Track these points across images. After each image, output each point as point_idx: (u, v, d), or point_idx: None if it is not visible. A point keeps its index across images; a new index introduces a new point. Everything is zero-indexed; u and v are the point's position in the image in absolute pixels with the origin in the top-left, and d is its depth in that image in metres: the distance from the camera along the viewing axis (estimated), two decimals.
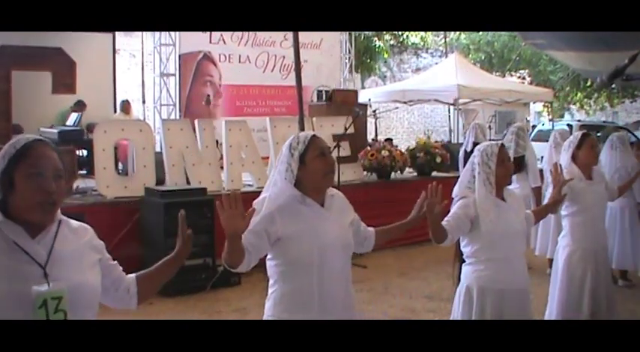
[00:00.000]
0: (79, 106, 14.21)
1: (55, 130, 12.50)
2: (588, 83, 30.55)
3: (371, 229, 3.84)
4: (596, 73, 18.01)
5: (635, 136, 26.99)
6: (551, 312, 5.82)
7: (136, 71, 18.84)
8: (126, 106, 15.39)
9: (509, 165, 4.55)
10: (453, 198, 4.60)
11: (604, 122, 31.50)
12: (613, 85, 28.36)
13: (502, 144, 4.52)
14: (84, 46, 14.11)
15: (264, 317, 3.45)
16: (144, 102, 17.60)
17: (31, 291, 2.35)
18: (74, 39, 13.38)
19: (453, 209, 4.46)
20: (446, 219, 4.31)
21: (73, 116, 13.51)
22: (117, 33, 15.62)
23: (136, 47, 18.41)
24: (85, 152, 12.64)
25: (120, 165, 11.68)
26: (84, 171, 11.81)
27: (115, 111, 15.23)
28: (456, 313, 4.63)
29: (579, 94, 33.78)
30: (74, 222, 2.63)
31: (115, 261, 2.78)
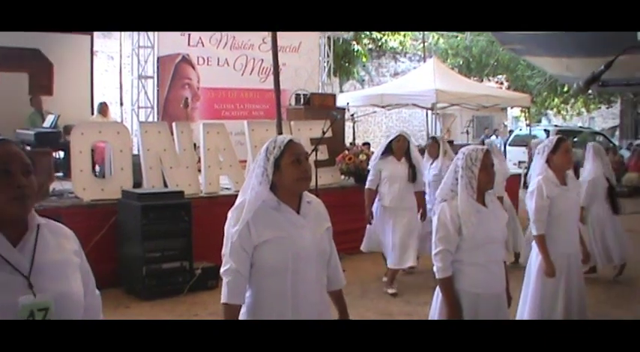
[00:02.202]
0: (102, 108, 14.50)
1: (32, 132, 12.39)
2: (565, 89, 30.83)
3: (341, 274, 3.84)
4: (573, 79, 18.17)
5: (612, 142, 27.24)
6: (522, 317, 5.85)
7: (113, 73, 18.79)
8: (103, 108, 15.29)
9: (493, 171, 4.58)
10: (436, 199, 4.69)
11: (581, 127, 31.76)
12: (590, 91, 28.57)
13: (487, 150, 4.54)
14: (61, 48, 14.03)
15: None
16: (122, 104, 17.55)
17: (16, 303, 2.31)
18: (52, 40, 13.31)
19: (439, 225, 4.50)
20: (442, 248, 4.47)
21: (50, 118, 13.42)
22: (95, 35, 15.54)
23: (114, 49, 18.37)
24: (61, 154, 12.55)
25: (97, 168, 11.61)
26: (60, 174, 11.73)
27: (93, 114, 15.13)
28: (433, 315, 4.66)
29: (556, 100, 34.07)
30: (54, 224, 2.59)
31: (89, 267, 2.73)
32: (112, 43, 18.68)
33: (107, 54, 19.72)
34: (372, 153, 12.11)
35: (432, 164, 9.63)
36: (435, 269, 4.53)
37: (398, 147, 8.68)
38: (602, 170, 9.29)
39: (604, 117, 41.82)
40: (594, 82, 3.31)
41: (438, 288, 4.63)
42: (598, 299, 8.12)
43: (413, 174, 8.62)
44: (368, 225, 8.93)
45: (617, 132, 35.49)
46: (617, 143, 28.91)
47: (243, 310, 3.44)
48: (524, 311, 5.87)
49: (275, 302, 3.40)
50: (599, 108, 37.75)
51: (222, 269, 3.41)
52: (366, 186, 8.84)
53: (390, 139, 8.88)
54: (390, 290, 8.57)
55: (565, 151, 5.76)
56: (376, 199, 8.78)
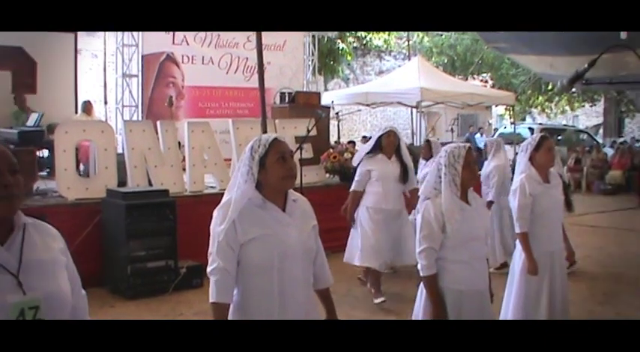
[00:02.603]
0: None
1: (15, 131, 12.32)
2: (549, 87, 30.95)
3: (328, 273, 3.81)
4: (557, 77, 18.24)
5: (595, 140, 27.38)
6: (507, 315, 5.87)
7: (98, 72, 18.72)
8: (88, 107, 15.22)
9: (475, 168, 4.59)
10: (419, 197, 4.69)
11: (565, 125, 31.94)
12: (573, 89, 28.71)
13: (469, 147, 4.56)
14: (45, 46, 13.96)
15: None
16: (106, 103, 17.50)
17: (5, 301, 2.30)
18: (35, 38, 13.24)
19: (423, 223, 4.52)
20: (427, 245, 4.49)
21: (34, 116, 13.35)
22: (79, 33, 15.46)
23: (99, 47, 18.30)
24: (45, 153, 12.50)
25: (81, 167, 11.57)
26: (44, 173, 11.68)
27: (77, 112, 15.06)
28: (417, 313, 4.68)
29: (540, 98, 34.23)
30: (40, 224, 2.58)
31: (74, 266, 2.72)
32: (96, 41, 18.61)
33: (91, 52, 19.64)
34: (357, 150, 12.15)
35: (425, 164, 9.65)
36: (419, 266, 4.55)
37: (388, 143, 7.97)
38: (504, 162, 9.88)
39: (588, 116, 42.02)
40: (578, 80, 3.33)
41: (422, 286, 4.65)
42: (582, 296, 8.16)
43: (404, 174, 7.99)
44: (352, 233, 8.28)
45: (601, 130, 35.69)
46: (600, 141, 29.08)
47: (230, 309, 3.44)
48: (508, 309, 5.88)
49: (262, 301, 3.40)
50: (583, 106, 37.92)
51: (209, 269, 3.40)
52: (352, 188, 8.12)
53: (379, 134, 8.09)
54: (378, 300, 8.00)
55: (547, 149, 5.78)
56: (361, 202, 8.06)
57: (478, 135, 26.17)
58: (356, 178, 8.10)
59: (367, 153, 8.10)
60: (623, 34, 10.90)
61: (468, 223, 4.43)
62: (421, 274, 4.54)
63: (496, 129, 29.04)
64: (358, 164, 8.18)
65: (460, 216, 4.40)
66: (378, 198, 7.95)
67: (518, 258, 5.82)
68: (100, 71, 18.04)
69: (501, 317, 5.91)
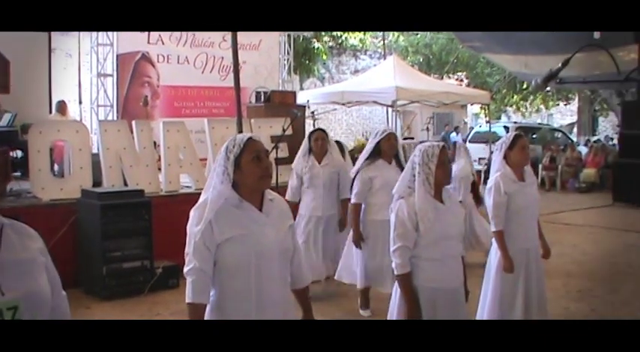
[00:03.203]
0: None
1: None
2: (524, 86, 31.14)
3: (305, 273, 3.82)
4: (531, 76, 18.35)
5: (570, 138, 27.56)
6: (483, 313, 5.90)
7: (72, 71, 18.55)
8: (62, 107, 15.13)
9: (449, 167, 4.62)
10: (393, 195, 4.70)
11: (539, 124, 32.13)
12: (548, 88, 28.89)
13: (443, 146, 4.58)
14: (18, 45, 13.86)
15: None
16: (80, 102, 17.36)
17: None
18: (8, 37, 13.12)
19: (397, 222, 4.53)
20: (401, 244, 4.51)
21: (7, 116, 13.25)
22: (53, 32, 15.36)
23: (73, 47, 18.14)
24: (19, 153, 12.41)
25: (56, 167, 11.50)
26: (18, 173, 11.60)
27: (51, 112, 14.98)
28: (392, 311, 4.70)
29: (515, 97, 34.44)
30: (18, 224, 2.55)
31: (54, 266, 2.70)
32: (70, 40, 18.44)
33: (65, 51, 19.45)
34: None
35: None
36: (393, 265, 4.57)
37: (389, 147, 7.13)
38: (464, 166, 10.01)
39: (562, 114, 42.35)
40: (552, 79, 3.35)
41: (396, 284, 4.67)
42: (557, 293, 8.21)
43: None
44: (350, 249, 7.48)
45: (575, 129, 35.94)
46: (575, 139, 29.26)
47: (207, 309, 3.43)
48: (484, 306, 5.91)
49: (239, 301, 3.40)
50: (558, 105, 38.23)
51: (185, 269, 3.39)
52: (353, 201, 7.25)
53: (378, 138, 7.17)
54: (366, 313, 7.59)
55: (522, 148, 5.81)
56: (364, 215, 7.26)
57: (454, 134, 26.27)
58: (356, 190, 7.19)
59: (365, 159, 7.21)
60: (597, 34, 11.00)
61: (441, 222, 4.46)
62: (395, 273, 4.56)
63: (472, 128, 29.15)
64: (356, 174, 7.26)
65: (433, 215, 4.42)
66: (385, 209, 6.08)
67: (494, 255, 5.85)
68: (75, 70, 17.88)
69: (478, 315, 5.95)
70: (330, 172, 7.85)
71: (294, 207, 7.34)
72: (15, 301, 2.34)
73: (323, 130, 8.21)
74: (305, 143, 8.08)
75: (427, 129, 20.95)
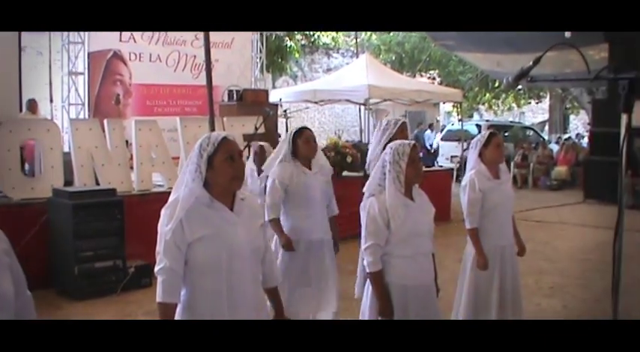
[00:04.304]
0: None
1: None
2: (496, 84, 31.30)
3: (276, 271, 3.85)
4: (503, 75, 18.47)
5: (541, 136, 27.75)
6: (458, 310, 5.94)
7: (43, 69, 18.40)
8: (32, 105, 15.01)
9: (420, 165, 4.63)
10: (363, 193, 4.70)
11: (511, 122, 32.37)
12: (519, 86, 29.08)
13: (414, 144, 4.60)
14: None
15: None
16: (51, 101, 17.23)
17: None
18: None
19: (368, 220, 4.53)
20: (372, 242, 4.50)
21: None
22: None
23: (44, 45, 17.98)
24: None
25: (26, 166, 11.41)
26: None
27: (21, 111, 14.83)
28: (364, 309, 4.71)
29: (488, 95, 34.62)
30: None
31: (19, 266, 2.68)
32: (40, 38, 18.29)
33: (36, 49, 19.29)
34: None
35: None
36: (365, 263, 4.58)
37: (404, 139, 5.48)
38: None
39: (534, 112, 42.67)
40: (523, 77, 3.36)
41: (368, 282, 4.68)
42: (530, 290, 8.26)
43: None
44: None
45: (547, 127, 36.21)
46: (546, 137, 29.48)
47: (178, 309, 3.42)
48: (459, 303, 5.94)
49: (211, 300, 3.38)
50: (529, 103, 38.49)
51: (156, 268, 3.37)
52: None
53: (392, 129, 6.17)
54: None
55: (496, 145, 5.85)
56: None
57: (428, 132, 26.37)
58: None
59: (373, 153, 6.25)
60: (568, 34, 11.09)
61: (412, 219, 4.47)
62: (367, 270, 4.57)
63: (444, 126, 29.27)
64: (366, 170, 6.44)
65: (404, 213, 4.44)
66: None
67: (470, 253, 5.88)
68: (45, 69, 17.73)
69: (453, 312, 5.99)
70: (323, 182, 6.28)
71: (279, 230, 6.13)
72: None
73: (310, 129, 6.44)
74: (286, 145, 6.25)
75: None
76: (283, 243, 5.99)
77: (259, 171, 7.28)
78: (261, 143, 7.77)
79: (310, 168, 6.15)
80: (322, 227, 6.22)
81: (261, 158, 7.64)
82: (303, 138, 6.10)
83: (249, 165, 7.88)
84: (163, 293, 3.34)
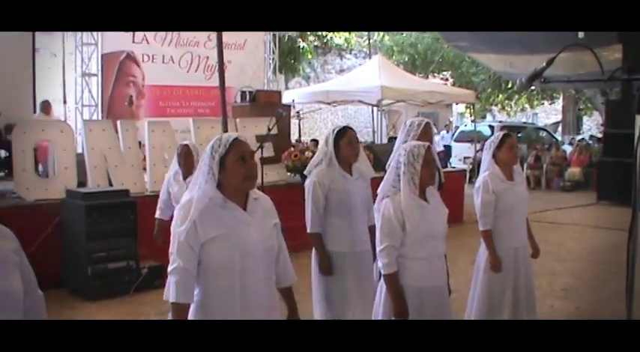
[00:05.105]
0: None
1: None
2: (509, 85, 31.20)
3: (290, 271, 3.80)
4: (516, 75, 18.40)
5: (554, 137, 27.65)
6: (471, 312, 5.92)
7: (56, 71, 18.48)
8: (46, 107, 15.08)
9: (435, 167, 4.61)
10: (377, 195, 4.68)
11: (524, 123, 32.25)
12: (532, 87, 28.98)
13: (429, 146, 4.57)
14: (2, 45, 13.78)
15: None
16: (65, 102, 17.31)
17: None
18: None
19: (383, 221, 4.52)
20: (387, 244, 4.46)
21: None
22: (37, 31, 15.30)
23: (57, 46, 18.07)
24: (3, 153, 12.36)
25: (40, 167, 11.46)
26: (2, 174, 11.56)
27: (35, 112, 14.92)
28: (377, 311, 4.69)
29: (500, 96, 34.52)
30: None
31: (29, 266, 2.69)
32: (54, 40, 18.37)
33: (50, 51, 19.37)
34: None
35: None
36: (380, 265, 4.56)
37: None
38: None
39: (547, 113, 42.50)
40: (537, 78, 3.35)
41: (381, 283, 4.67)
42: (543, 291, 8.23)
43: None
44: None
45: (560, 128, 36.07)
46: (559, 138, 29.36)
47: (191, 308, 3.42)
48: (472, 305, 5.92)
49: (223, 300, 3.39)
50: (542, 104, 38.36)
51: (169, 268, 3.38)
52: None
53: (415, 129, 5.73)
54: None
55: (510, 147, 5.82)
56: None
57: (444, 132, 26.38)
58: None
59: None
60: (581, 34, 11.04)
61: (426, 221, 4.45)
62: (382, 272, 4.55)
63: (457, 127, 29.21)
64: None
65: (419, 214, 4.41)
66: None
67: (483, 254, 5.86)
68: (59, 70, 17.80)
69: (466, 314, 5.97)
70: (365, 188, 5.67)
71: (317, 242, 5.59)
72: None
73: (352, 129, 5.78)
74: (328, 146, 5.59)
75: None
76: (323, 266, 5.52)
77: (185, 175, 6.58)
78: (186, 142, 6.80)
79: (351, 174, 5.60)
80: (364, 237, 5.66)
81: (186, 160, 6.64)
82: (346, 139, 5.53)
83: (174, 168, 6.89)
84: (177, 293, 3.34)
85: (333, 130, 5.61)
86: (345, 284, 5.52)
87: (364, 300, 5.40)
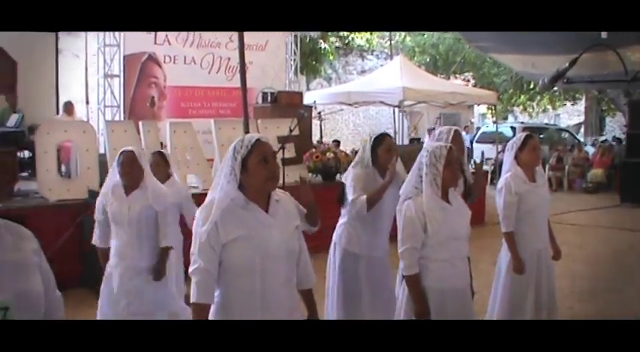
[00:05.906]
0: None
1: None
2: (531, 86, 31.04)
3: (311, 273, 3.78)
4: (538, 76, 18.29)
5: (577, 138, 27.50)
6: (492, 313, 5.90)
7: (79, 72, 18.57)
8: (69, 108, 15.16)
9: (457, 168, 4.59)
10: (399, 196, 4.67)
11: (546, 124, 32.07)
12: (555, 88, 28.84)
13: (451, 147, 4.55)
14: (26, 46, 13.90)
15: None
16: (87, 103, 17.38)
17: None
18: (16, 38, 13.19)
19: (405, 223, 4.51)
20: (409, 245, 4.46)
21: (14, 117, 13.28)
22: (60, 33, 15.40)
23: (80, 47, 18.16)
24: (26, 154, 12.44)
25: (63, 168, 11.52)
26: (26, 174, 11.63)
27: (58, 113, 15.01)
28: (399, 312, 4.68)
29: (522, 97, 34.34)
30: (11, 224, 2.55)
31: (48, 267, 2.69)
32: (77, 41, 18.47)
33: (72, 52, 19.49)
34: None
35: None
36: (401, 266, 4.55)
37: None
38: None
39: (569, 114, 42.24)
40: (559, 79, 3.34)
41: (403, 285, 4.65)
42: (563, 293, 8.18)
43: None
44: None
45: (582, 129, 35.85)
46: (582, 139, 29.20)
47: (212, 309, 3.43)
48: (494, 307, 5.90)
49: (244, 301, 3.39)
50: (565, 105, 38.12)
51: (190, 269, 3.39)
52: None
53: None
54: None
55: (533, 148, 5.80)
56: None
57: (464, 134, 26.28)
58: None
59: None
60: (604, 34, 10.97)
61: (449, 223, 4.43)
62: (404, 274, 4.54)
63: (478, 128, 29.12)
64: None
65: (441, 216, 4.40)
66: None
67: (504, 256, 5.84)
68: (82, 71, 17.88)
69: (487, 316, 5.95)
70: (395, 194, 5.04)
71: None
72: (5, 302, 2.33)
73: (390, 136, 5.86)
74: (365, 153, 5.67)
75: (434, 129, 20.94)
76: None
77: (128, 189, 5.99)
78: (131, 148, 6.11)
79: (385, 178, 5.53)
80: (386, 243, 5.74)
81: (131, 170, 5.98)
82: (384, 147, 5.60)
83: (112, 180, 6.30)
84: (198, 293, 3.35)
85: (371, 137, 5.68)
86: (361, 286, 5.62)
87: (379, 304, 5.56)
